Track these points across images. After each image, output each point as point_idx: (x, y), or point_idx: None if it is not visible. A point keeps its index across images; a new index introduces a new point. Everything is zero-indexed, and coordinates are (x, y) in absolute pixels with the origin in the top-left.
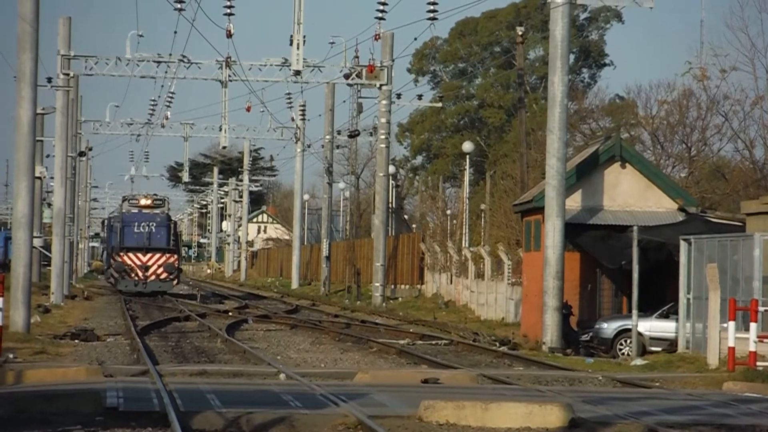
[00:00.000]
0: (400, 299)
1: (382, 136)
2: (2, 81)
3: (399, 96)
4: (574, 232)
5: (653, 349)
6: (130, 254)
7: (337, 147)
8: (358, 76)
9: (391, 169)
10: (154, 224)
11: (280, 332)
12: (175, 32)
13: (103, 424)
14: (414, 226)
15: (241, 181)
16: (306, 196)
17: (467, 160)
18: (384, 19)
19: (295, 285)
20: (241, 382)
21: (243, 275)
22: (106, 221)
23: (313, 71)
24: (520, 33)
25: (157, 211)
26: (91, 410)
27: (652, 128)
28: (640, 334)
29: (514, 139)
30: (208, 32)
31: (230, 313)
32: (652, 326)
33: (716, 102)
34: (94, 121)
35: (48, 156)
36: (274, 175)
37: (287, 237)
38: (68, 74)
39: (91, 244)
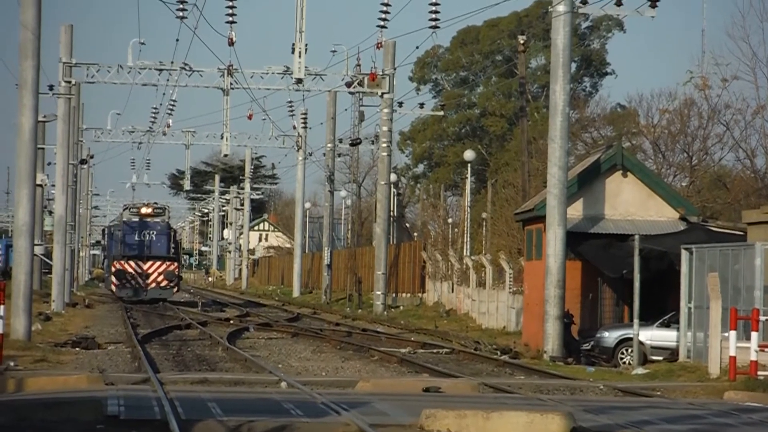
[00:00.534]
0: (401, 308)
1: (384, 145)
2: (4, 88)
3: (401, 104)
4: (576, 241)
5: (654, 358)
6: (131, 262)
7: (339, 155)
8: (360, 84)
9: (393, 177)
10: (155, 232)
11: (282, 340)
12: (177, 40)
13: None
14: (415, 234)
15: (243, 189)
16: (307, 205)
17: (469, 168)
18: (386, 27)
19: (296, 293)
20: (242, 390)
21: (244, 283)
22: (106, 229)
23: (314, 79)
24: (521, 42)
25: (157, 219)
26: (92, 418)
27: (654, 137)
28: (641, 343)
29: (516, 147)
30: (210, 40)
31: (231, 321)
32: (653, 335)
33: (717, 111)
34: (95, 129)
35: (49, 164)
36: (276, 183)
37: (288, 245)
38: (70, 82)
39: (92, 252)
